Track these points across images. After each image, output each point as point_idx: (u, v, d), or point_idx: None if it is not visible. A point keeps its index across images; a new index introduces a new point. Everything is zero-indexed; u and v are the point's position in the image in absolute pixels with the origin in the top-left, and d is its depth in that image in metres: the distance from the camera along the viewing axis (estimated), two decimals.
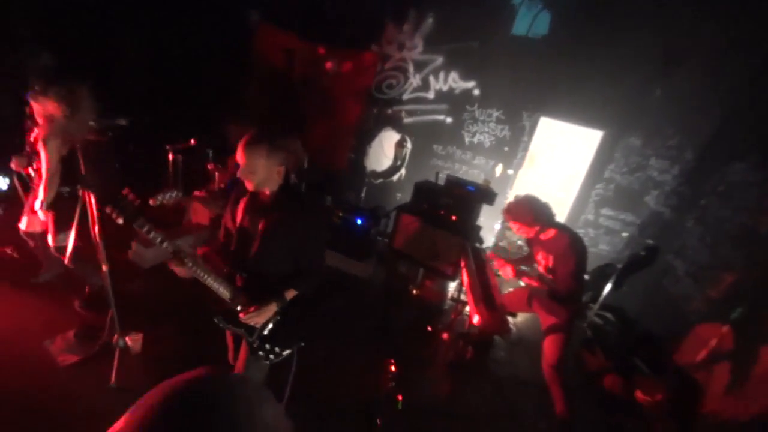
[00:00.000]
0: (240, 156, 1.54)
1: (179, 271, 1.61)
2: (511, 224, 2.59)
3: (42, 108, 2.34)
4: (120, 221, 1.49)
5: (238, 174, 1.58)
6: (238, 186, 1.75)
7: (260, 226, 1.66)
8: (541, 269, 2.64)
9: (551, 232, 2.51)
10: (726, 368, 2.81)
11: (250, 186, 1.60)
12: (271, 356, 1.74)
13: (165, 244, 1.55)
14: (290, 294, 1.67)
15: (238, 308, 1.68)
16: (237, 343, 1.96)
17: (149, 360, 2.56)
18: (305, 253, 1.68)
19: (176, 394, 0.53)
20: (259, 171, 1.55)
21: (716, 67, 3.43)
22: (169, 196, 2.31)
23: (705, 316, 3.19)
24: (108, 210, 1.48)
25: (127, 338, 2.48)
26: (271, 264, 1.68)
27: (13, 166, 2.56)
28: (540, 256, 2.61)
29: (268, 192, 1.65)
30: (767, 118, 3.27)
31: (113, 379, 2.30)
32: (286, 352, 1.78)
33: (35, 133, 2.40)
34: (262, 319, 1.65)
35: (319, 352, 1.71)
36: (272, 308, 1.64)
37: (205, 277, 1.63)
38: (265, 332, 1.72)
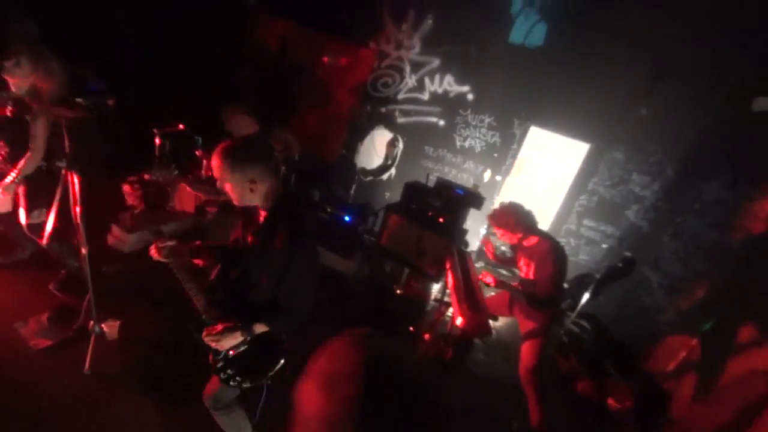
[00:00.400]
0: (213, 165, 1.48)
1: (155, 252, 1.63)
2: (495, 230, 2.66)
3: (20, 81, 2.25)
4: (132, 203, 1.49)
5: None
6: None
7: (248, 244, 1.62)
8: (522, 275, 2.71)
9: (533, 239, 2.60)
10: (693, 378, 2.95)
11: (235, 201, 1.53)
12: (232, 383, 1.62)
13: (155, 233, 1.60)
14: (259, 328, 1.55)
15: (207, 325, 1.59)
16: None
17: (125, 346, 2.50)
18: (285, 287, 1.52)
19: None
20: (227, 187, 1.48)
21: (699, 86, 3.58)
22: (166, 173, 2.26)
23: (676, 327, 3.33)
24: (125, 188, 1.46)
25: (103, 324, 2.41)
26: (249, 287, 1.61)
27: None
28: (522, 263, 2.69)
29: (262, 211, 1.58)
30: (739, 139, 3.43)
31: (87, 365, 2.24)
32: (248, 384, 1.65)
33: (10, 110, 2.30)
34: (224, 344, 1.53)
35: (297, 345, 1.67)
36: (236, 337, 1.53)
37: (181, 275, 1.63)
38: (229, 356, 1.62)
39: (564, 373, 3.45)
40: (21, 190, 2.45)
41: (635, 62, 3.71)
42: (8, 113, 2.31)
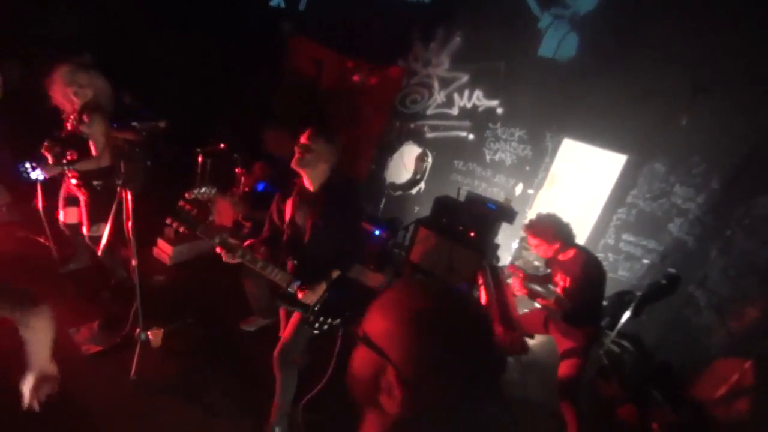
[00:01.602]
0: (305, 135, 1.87)
1: (227, 258, 1.86)
2: (531, 240, 2.59)
3: (74, 89, 2.48)
4: (182, 230, 1.77)
5: (296, 150, 1.86)
6: (283, 186, 2.09)
7: (308, 219, 1.97)
8: (558, 290, 2.62)
9: (570, 253, 2.50)
10: (746, 405, 2.72)
11: (296, 162, 1.88)
12: (325, 326, 2.02)
13: (217, 239, 1.83)
14: (335, 274, 1.98)
15: (294, 290, 1.95)
16: (287, 318, 2.20)
17: (168, 354, 2.62)
18: (347, 239, 1.99)
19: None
20: (311, 152, 1.86)
21: (744, 101, 3.40)
22: (205, 191, 2.42)
23: (726, 350, 3.10)
24: (168, 221, 1.75)
25: (148, 332, 2.55)
26: (320, 250, 1.98)
27: (44, 151, 2.64)
28: (558, 277, 2.60)
29: (312, 188, 1.97)
30: None
31: (133, 371, 2.36)
32: (336, 321, 2.05)
33: (73, 119, 2.53)
34: (316, 296, 1.95)
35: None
36: (322, 287, 1.95)
37: (259, 265, 1.91)
38: (317, 307, 1.99)
39: (605, 398, 3.27)
40: (83, 203, 2.68)
41: (672, 74, 3.59)
42: (69, 126, 2.56)
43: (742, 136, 3.48)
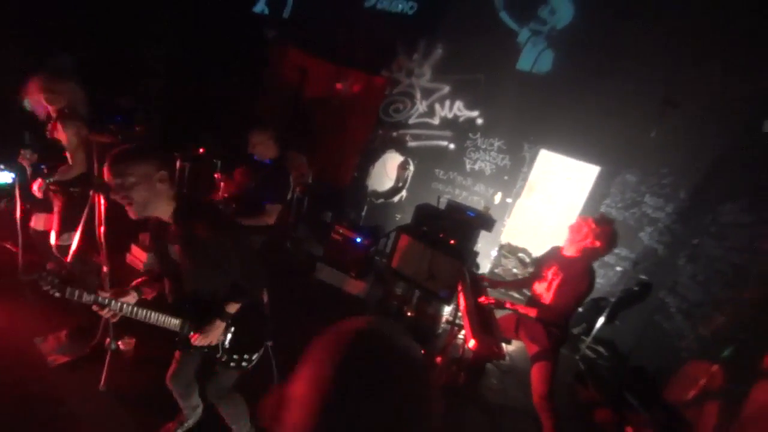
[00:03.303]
0: (108, 170, 1.44)
1: (106, 314, 1.59)
2: (582, 226, 2.48)
3: (47, 95, 2.43)
4: (56, 295, 1.52)
5: (115, 197, 1.49)
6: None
7: (179, 254, 1.61)
8: (541, 289, 2.63)
9: (579, 254, 2.50)
10: (715, 407, 2.82)
11: (132, 215, 1.51)
12: (243, 363, 1.79)
13: (90, 299, 1.53)
14: (232, 307, 1.65)
15: (190, 334, 1.68)
16: (187, 362, 1.93)
17: (140, 364, 2.53)
18: (231, 267, 1.58)
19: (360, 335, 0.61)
20: (134, 187, 1.43)
21: (712, 112, 3.59)
22: None
23: (696, 353, 3.21)
24: (43, 287, 1.51)
25: (119, 342, 2.46)
26: (198, 287, 1.67)
27: (21, 160, 2.58)
28: (551, 272, 2.58)
29: (166, 218, 1.57)
30: (756, 163, 3.40)
31: (103, 382, 2.27)
32: (255, 356, 1.82)
33: (49, 126, 2.48)
34: (213, 337, 1.67)
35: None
36: (219, 325, 1.65)
37: (142, 314, 1.63)
38: (227, 345, 1.75)
39: (582, 402, 3.33)
40: (56, 210, 2.59)
41: (644, 87, 3.76)
42: (48, 134, 2.50)
43: (707, 148, 3.67)
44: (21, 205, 2.69)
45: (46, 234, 2.69)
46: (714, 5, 3.52)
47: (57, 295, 1.52)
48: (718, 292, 3.34)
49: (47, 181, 2.49)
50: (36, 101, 2.43)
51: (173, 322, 1.68)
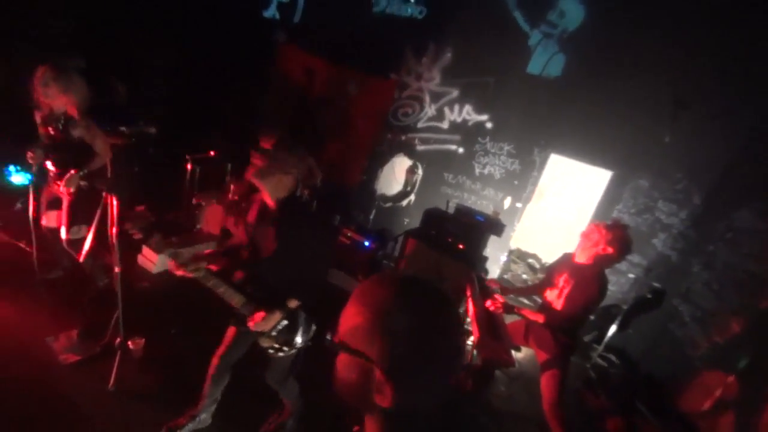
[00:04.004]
0: (269, 140, 1.78)
1: (179, 272, 1.75)
2: (597, 234, 2.41)
3: (55, 101, 2.46)
4: (137, 237, 1.72)
5: (254, 157, 1.76)
6: (245, 197, 1.96)
7: (269, 239, 1.80)
8: (552, 296, 2.59)
9: (591, 260, 2.44)
10: (730, 419, 2.75)
11: (252, 171, 1.76)
12: (280, 353, 1.90)
13: (168, 253, 1.72)
14: (293, 303, 1.82)
15: (247, 312, 1.82)
16: (239, 341, 2.06)
17: (149, 364, 2.55)
18: (309, 266, 1.84)
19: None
20: (276, 160, 1.75)
21: (723, 115, 3.53)
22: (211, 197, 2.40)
23: (711, 362, 3.14)
24: (128, 226, 1.70)
25: (129, 342, 2.48)
26: (277, 275, 1.83)
27: (29, 158, 2.61)
28: (562, 279, 2.53)
29: (271, 201, 1.81)
30: None
31: (112, 382, 2.29)
32: (291, 352, 1.94)
33: (54, 125, 2.50)
34: (269, 325, 1.80)
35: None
36: (276, 316, 1.80)
37: (212, 283, 1.78)
38: (274, 333, 1.87)
39: (593, 411, 3.27)
40: (65, 205, 2.63)
41: (657, 91, 3.71)
42: (52, 131, 2.53)
43: (722, 153, 3.60)
44: (34, 204, 2.73)
45: (57, 231, 2.73)
46: (728, 7, 3.47)
47: (140, 238, 1.73)
48: (733, 299, 3.26)
49: (80, 173, 2.53)
50: (48, 95, 2.45)
51: (237, 299, 1.81)
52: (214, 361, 2.05)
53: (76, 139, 2.53)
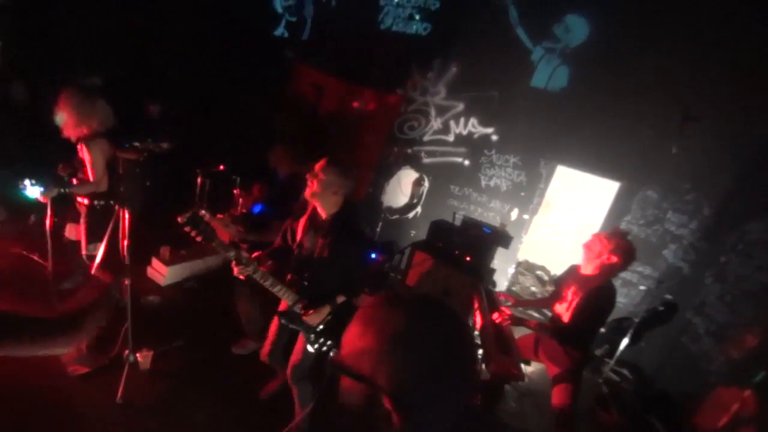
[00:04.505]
0: (318, 164, 1.97)
1: (239, 272, 1.93)
2: (600, 244, 2.39)
3: (71, 131, 2.54)
4: (198, 239, 1.81)
5: (309, 179, 1.97)
6: (281, 208, 2.25)
7: (317, 244, 2.06)
8: (561, 310, 2.56)
9: (597, 270, 2.42)
10: None
11: (309, 192, 1.98)
12: (324, 348, 2.07)
13: (232, 253, 1.89)
14: (340, 298, 2.05)
15: (299, 309, 2.02)
16: (281, 337, 2.31)
17: (157, 377, 2.55)
18: (352, 269, 2.09)
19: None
20: (321, 182, 1.95)
21: (732, 127, 3.51)
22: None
23: (726, 377, 3.05)
24: (187, 229, 1.79)
25: (137, 354, 2.49)
26: (326, 274, 2.08)
27: (60, 172, 2.71)
28: (571, 292, 2.51)
29: (324, 214, 2.05)
30: None
31: (120, 394, 2.29)
32: (328, 347, 2.10)
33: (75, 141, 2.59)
34: (319, 318, 2.02)
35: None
36: (326, 310, 2.02)
37: (269, 282, 1.97)
38: (319, 328, 2.06)
39: (605, 427, 3.18)
40: (82, 221, 2.69)
41: (664, 102, 3.72)
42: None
43: (731, 163, 3.57)
44: (51, 217, 2.79)
45: (77, 243, 2.79)
46: (734, 19, 3.49)
47: (204, 241, 1.81)
48: (747, 312, 3.19)
49: (62, 190, 2.55)
50: (66, 122, 2.54)
51: (291, 295, 2.03)
52: (266, 360, 2.28)
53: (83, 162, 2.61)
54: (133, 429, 2.20)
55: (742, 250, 3.43)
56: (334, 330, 2.07)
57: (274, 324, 2.29)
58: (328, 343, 2.07)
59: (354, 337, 0.64)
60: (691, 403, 3.19)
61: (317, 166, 1.98)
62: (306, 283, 2.09)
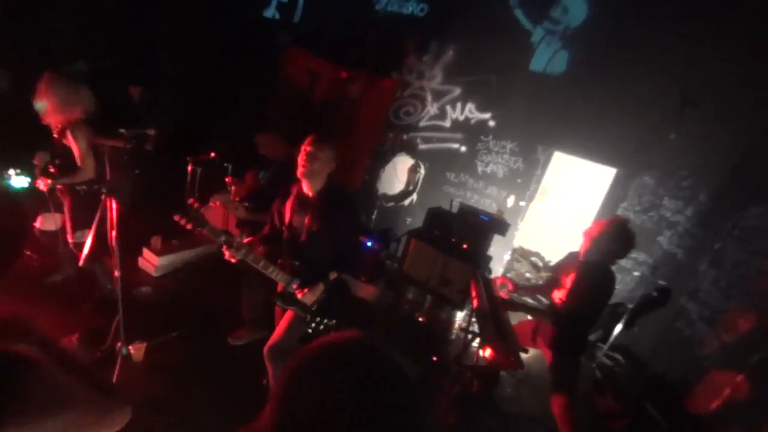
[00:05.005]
0: (309, 143, 1.96)
1: (231, 256, 1.92)
2: (595, 231, 2.39)
3: (53, 119, 2.45)
4: (189, 228, 1.80)
5: (302, 160, 1.95)
6: (282, 189, 2.20)
7: (307, 223, 2.05)
8: (559, 296, 2.55)
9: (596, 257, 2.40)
10: (741, 419, 2.71)
11: (301, 172, 1.97)
12: (321, 327, 2.08)
13: (223, 238, 1.90)
14: (333, 275, 2.06)
15: (293, 289, 2.02)
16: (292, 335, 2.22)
17: (150, 369, 2.51)
18: (343, 243, 2.08)
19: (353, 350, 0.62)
20: (318, 160, 1.96)
21: (731, 113, 3.48)
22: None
23: (719, 362, 3.10)
24: (176, 218, 1.78)
25: (130, 346, 2.45)
26: (317, 252, 2.06)
27: (36, 162, 2.62)
28: (569, 280, 2.49)
29: (310, 193, 2.05)
30: None
31: None
32: (333, 322, 2.13)
33: (56, 131, 2.49)
34: (314, 297, 2.03)
35: None
36: (320, 288, 2.03)
37: (261, 264, 1.97)
38: (315, 307, 2.06)
39: (600, 412, 3.23)
40: (66, 210, 2.61)
41: (662, 88, 3.66)
42: (56, 135, 2.51)
43: (729, 149, 3.55)
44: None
45: (54, 234, 2.71)
46: (738, 4, 3.42)
47: (195, 229, 1.82)
48: (741, 298, 3.22)
49: (54, 181, 2.51)
50: (48, 109, 2.43)
51: (284, 277, 2.03)
52: (267, 351, 2.13)
53: (68, 150, 2.51)
54: (127, 422, 2.16)
55: (738, 236, 3.44)
56: (328, 308, 2.08)
57: (287, 317, 2.16)
58: (325, 321, 2.08)
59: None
60: (685, 387, 3.24)
61: (308, 146, 1.97)
62: (298, 263, 2.09)
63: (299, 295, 2.01)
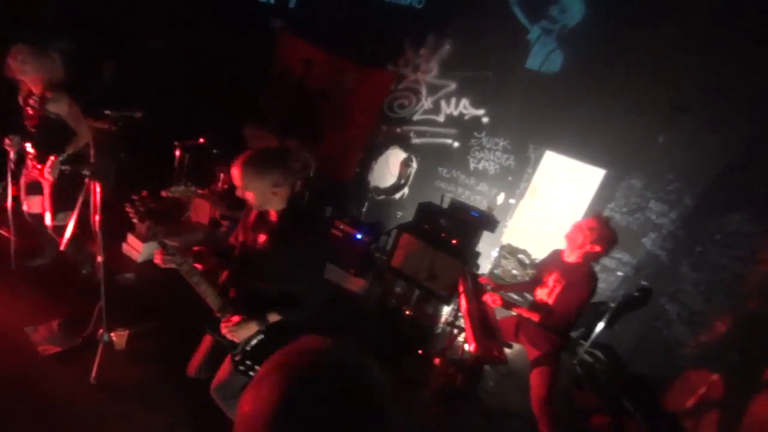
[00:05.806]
0: (233, 170, 1.56)
1: (162, 261, 1.65)
2: (582, 231, 2.41)
3: (32, 77, 2.38)
4: (135, 221, 1.63)
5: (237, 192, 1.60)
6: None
7: (259, 242, 1.70)
8: (542, 295, 2.59)
9: (580, 258, 2.45)
10: (714, 417, 2.80)
11: (250, 204, 1.64)
12: (251, 372, 1.70)
13: (157, 239, 1.63)
14: (273, 317, 1.64)
15: (222, 319, 1.67)
16: (214, 352, 1.92)
17: (132, 357, 2.48)
18: (297, 278, 1.66)
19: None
20: (249, 194, 1.58)
21: (721, 120, 3.54)
22: (182, 190, 2.30)
23: (696, 362, 3.19)
24: (126, 208, 1.60)
25: (112, 333, 2.40)
26: (262, 281, 1.71)
27: (6, 145, 2.50)
28: (552, 278, 2.53)
29: (273, 213, 1.69)
30: (765, 172, 3.36)
31: (94, 375, 2.21)
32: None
33: (32, 103, 2.41)
34: (241, 335, 1.64)
35: None
36: (252, 327, 1.63)
37: (194, 279, 1.66)
38: (248, 348, 1.70)
39: (579, 407, 3.31)
40: (46, 192, 2.52)
41: (653, 92, 3.71)
42: (31, 111, 2.41)
43: (716, 155, 3.62)
44: (12, 191, 2.62)
45: (41, 216, 2.62)
46: (727, 10, 3.46)
47: (135, 221, 1.65)
48: (720, 300, 3.31)
49: (60, 158, 2.42)
50: (29, 73, 2.35)
51: (215, 301, 1.69)
52: (212, 392, 1.87)
53: (55, 119, 2.42)
54: (107, 410, 2.13)
55: (719, 240, 3.52)
56: (263, 353, 1.68)
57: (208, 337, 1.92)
58: (255, 367, 1.69)
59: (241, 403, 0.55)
60: (662, 384, 3.33)
61: (234, 178, 1.58)
62: (236, 290, 1.75)
63: (223, 328, 1.62)
